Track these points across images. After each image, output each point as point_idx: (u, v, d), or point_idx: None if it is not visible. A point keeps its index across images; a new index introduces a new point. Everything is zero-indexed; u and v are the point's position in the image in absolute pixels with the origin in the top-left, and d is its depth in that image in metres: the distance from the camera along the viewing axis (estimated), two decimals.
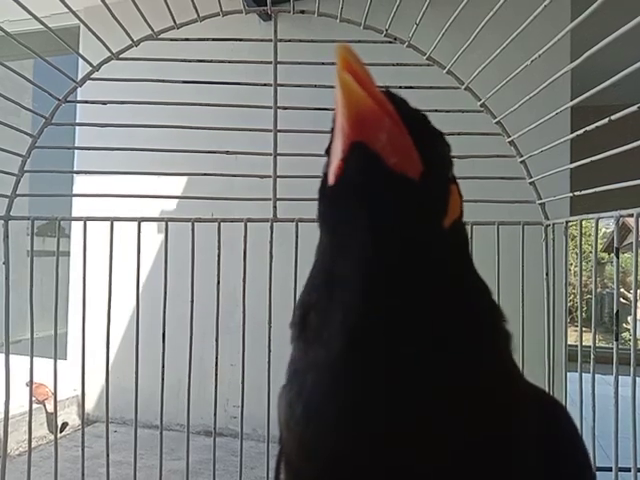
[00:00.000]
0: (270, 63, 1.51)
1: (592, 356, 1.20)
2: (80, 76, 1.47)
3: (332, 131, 0.41)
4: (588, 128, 1.11)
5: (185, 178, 3.16)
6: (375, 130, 0.37)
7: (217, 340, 1.48)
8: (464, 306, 0.41)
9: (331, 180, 0.39)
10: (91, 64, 1.44)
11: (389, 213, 0.38)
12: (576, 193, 1.27)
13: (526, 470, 0.42)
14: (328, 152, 0.42)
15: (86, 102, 1.56)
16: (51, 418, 3.33)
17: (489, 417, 0.39)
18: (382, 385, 0.38)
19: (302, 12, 1.50)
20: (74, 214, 3.38)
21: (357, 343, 0.38)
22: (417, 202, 0.38)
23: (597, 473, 1.14)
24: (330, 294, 0.40)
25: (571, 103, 1.23)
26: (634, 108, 0.98)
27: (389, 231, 0.38)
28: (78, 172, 3.15)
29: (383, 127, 0.37)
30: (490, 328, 0.43)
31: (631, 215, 1.07)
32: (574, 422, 0.51)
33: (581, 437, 0.51)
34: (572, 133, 1.25)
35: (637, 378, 1.07)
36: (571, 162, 1.30)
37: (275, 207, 1.49)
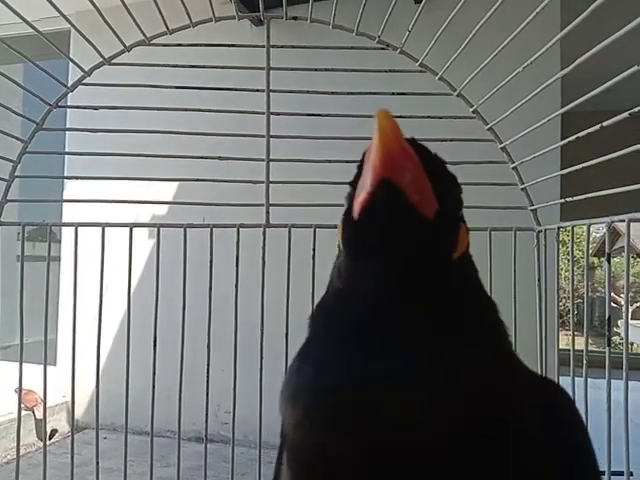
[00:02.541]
0: (263, 69, 1.51)
1: (584, 361, 1.21)
2: (70, 80, 1.47)
3: (360, 167, 0.47)
4: (580, 134, 1.12)
5: (177, 184, 3.15)
6: (402, 170, 0.43)
7: (209, 346, 1.47)
8: (467, 315, 0.47)
9: (357, 209, 0.45)
10: (83, 69, 1.43)
11: (409, 243, 0.44)
12: (568, 199, 1.28)
13: (529, 451, 0.45)
14: (352, 184, 0.49)
15: (78, 107, 1.55)
16: (40, 425, 3.29)
17: (491, 398, 0.43)
18: (395, 368, 0.42)
19: (295, 18, 1.50)
20: (64, 219, 3.35)
21: (370, 334, 0.43)
22: (432, 236, 0.45)
23: None
24: (349, 305, 0.46)
25: (562, 110, 1.24)
26: (625, 115, 0.99)
27: (409, 256, 0.44)
28: (70, 178, 3.13)
29: (408, 168, 0.43)
30: (493, 329, 0.50)
31: (622, 221, 1.08)
32: (576, 407, 0.54)
33: (583, 421, 0.54)
34: (562, 139, 1.26)
35: (629, 382, 1.08)
36: (561, 168, 1.31)
37: (268, 213, 1.49)
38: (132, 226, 1.47)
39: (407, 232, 0.44)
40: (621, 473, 1.11)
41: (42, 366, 1.45)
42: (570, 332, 1.32)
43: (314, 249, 1.45)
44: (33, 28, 1.28)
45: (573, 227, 1.29)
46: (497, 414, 0.43)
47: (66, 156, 3.34)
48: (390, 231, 0.44)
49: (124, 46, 1.43)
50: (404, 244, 0.44)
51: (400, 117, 1.36)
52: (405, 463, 0.41)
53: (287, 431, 0.47)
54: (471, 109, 1.47)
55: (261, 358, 1.45)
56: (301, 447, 0.45)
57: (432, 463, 0.41)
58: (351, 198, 0.48)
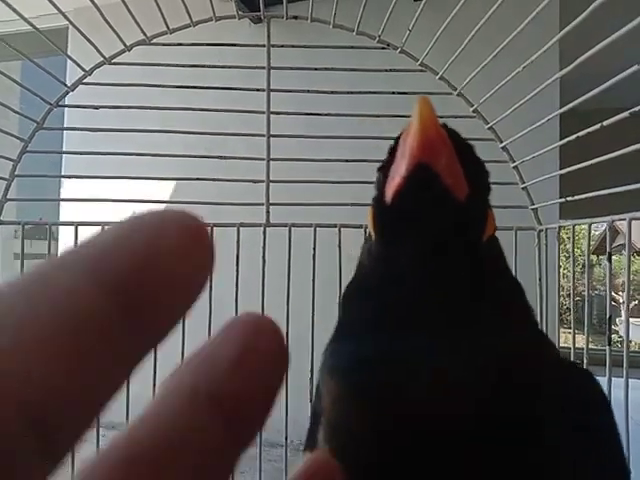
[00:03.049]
0: (263, 69, 1.51)
1: (585, 360, 1.21)
2: (68, 78, 1.46)
3: (393, 152, 0.48)
4: (580, 134, 1.12)
5: (176, 183, 3.14)
6: (437, 155, 0.43)
7: None
8: (499, 295, 0.49)
9: (391, 193, 0.45)
10: (83, 69, 1.43)
11: (442, 225, 0.45)
12: (569, 198, 1.28)
13: (556, 435, 0.45)
14: (382, 170, 0.49)
15: (78, 107, 1.55)
16: None
17: (526, 374, 0.44)
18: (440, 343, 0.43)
19: (295, 18, 1.49)
20: (62, 218, 3.34)
21: (407, 311, 0.45)
22: (465, 217, 0.46)
23: None
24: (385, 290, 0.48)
25: (562, 110, 1.24)
26: (626, 114, 0.99)
27: (444, 236, 0.46)
28: (70, 177, 3.12)
29: (443, 153, 0.44)
30: (524, 310, 0.52)
31: (624, 220, 1.08)
32: (608, 400, 0.55)
33: (614, 416, 0.54)
34: (561, 138, 1.26)
35: (629, 380, 1.08)
36: (560, 167, 1.31)
37: (268, 212, 1.49)
38: None
39: (442, 213, 0.45)
40: None
41: None
42: (570, 330, 1.32)
43: (314, 248, 1.45)
44: (33, 27, 1.28)
45: (574, 226, 1.29)
46: (530, 391, 0.44)
47: (64, 155, 3.33)
48: (426, 212, 0.45)
49: (124, 45, 1.43)
50: (439, 225, 0.45)
51: (401, 116, 1.36)
52: (442, 430, 0.42)
53: (327, 405, 0.48)
54: (471, 108, 1.46)
55: None
56: (341, 423, 0.46)
57: (467, 433, 0.42)
58: (381, 184, 0.48)
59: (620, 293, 8.42)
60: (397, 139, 0.48)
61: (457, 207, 0.45)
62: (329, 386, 0.47)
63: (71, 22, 1.38)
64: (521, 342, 0.46)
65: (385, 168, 0.48)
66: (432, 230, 0.45)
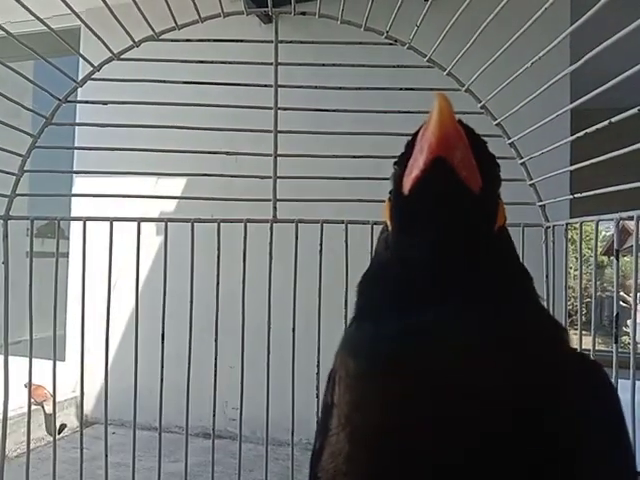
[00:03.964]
0: (271, 64, 1.51)
1: (591, 357, 1.20)
2: (80, 77, 1.47)
3: (410, 147, 0.51)
4: (589, 130, 1.11)
5: (185, 179, 3.16)
6: (454, 149, 0.47)
7: (216, 341, 1.47)
8: (510, 280, 0.52)
9: (409, 184, 0.49)
10: (92, 64, 1.44)
11: (459, 214, 0.48)
12: (576, 195, 1.27)
13: (567, 425, 0.47)
14: (399, 164, 0.52)
15: (87, 102, 1.56)
16: (49, 420, 3.32)
17: (539, 366, 0.46)
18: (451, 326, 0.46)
19: (303, 14, 1.50)
20: (73, 215, 3.37)
21: (424, 293, 0.48)
22: (479, 208, 0.49)
23: None
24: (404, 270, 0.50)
25: (571, 105, 1.23)
26: (634, 111, 0.98)
27: (459, 225, 0.48)
28: (78, 172, 3.15)
29: (459, 148, 0.47)
30: (534, 296, 0.54)
31: (631, 217, 1.07)
32: (612, 383, 0.58)
33: (619, 400, 0.56)
34: (572, 135, 1.25)
35: (637, 381, 1.07)
36: (571, 164, 1.30)
37: (275, 208, 1.49)
38: (140, 220, 1.48)
39: (458, 203, 0.48)
40: None
41: (51, 361, 1.46)
42: (577, 331, 1.31)
43: (321, 244, 1.46)
44: (47, 26, 1.29)
45: (582, 223, 1.28)
46: (541, 370, 0.46)
47: (75, 152, 3.36)
48: (443, 202, 0.48)
49: (133, 41, 1.44)
50: (455, 214, 0.48)
51: (408, 112, 1.36)
52: (463, 401, 0.44)
53: (345, 388, 0.50)
54: (479, 105, 1.46)
55: (268, 353, 1.45)
56: (364, 399, 0.48)
57: (489, 407, 0.44)
58: (398, 177, 0.51)
59: (631, 295, 8.34)
60: (414, 135, 0.51)
61: (471, 198, 0.48)
62: (350, 366, 0.49)
63: (82, 20, 1.40)
64: (530, 322, 0.49)
65: (402, 162, 0.52)
66: (448, 219, 0.48)
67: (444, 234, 0.48)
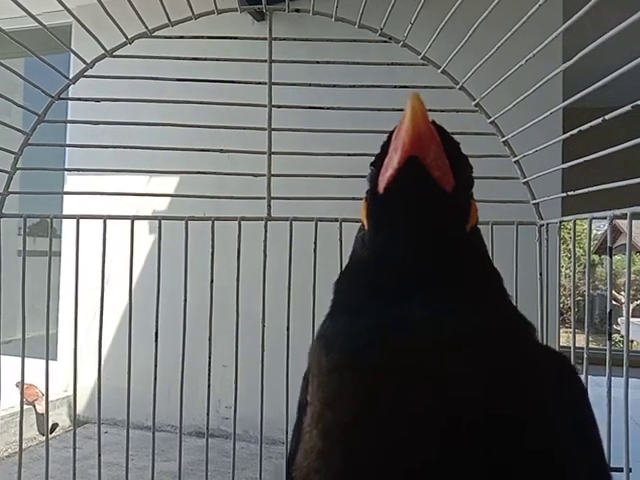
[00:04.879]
0: (265, 62, 1.50)
1: (585, 356, 1.20)
2: (72, 74, 1.46)
3: (386, 147, 0.52)
4: (583, 128, 1.12)
5: (178, 177, 3.15)
6: (427, 149, 0.48)
7: (210, 340, 1.47)
8: (480, 279, 0.53)
9: (384, 184, 0.50)
10: (85, 61, 1.43)
11: (431, 213, 0.50)
12: (570, 193, 1.27)
13: (537, 419, 0.47)
14: (375, 164, 0.53)
15: (79, 99, 1.55)
16: (41, 419, 3.30)
17: (505, 345, 0.47)
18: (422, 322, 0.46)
19: (297, 11, 1.49)
20: (65, 212, 3.35)
21: (397, 289, 0.49)
22: (450, 208, 0.50)
23: None
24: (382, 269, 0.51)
25: (565, 103, 1.23)
26: (628, 108, 0.99)
27: (431, 223, 0.50)
28: (71, 170, 3.13)
29: (432, 148, 0.48)
30: (501, 292, 0.55)
31: (625, 215, 1.08)
32: (580, 377, 0.57)
33: (587, 394, 0.57)
34: (564, 134, 1.25)
35: (629, 379, 1.08)
36: (563, 162, 1.31)
37: (269, 206, 1.49)
38: (133, 218, 1.47)
39: (430, 202, 0.49)
40: (620, 469, 1.12)
41: (42, 360, 1.45)
42: (570, 329, 1.32)
43: (315, 242, 1.45)
44: (38, 22, 1.28)
45: (575, 221, 1.29)
46: (511, 362, 0.46)
47: (67, 150, 3.34)
48: (416, 200, 0.49)
49: (126, 38, 1.43)
50: (428, 212, 0.49)
51: (402, 110, 1.35)
52: (434, 389, 0.44)
53: (318, 385, 0.50)
54: (473, 102, 1.46)
55: (262, 352, 1.45)
56: (337, 394, 0.48)
57: (460, 402, 0.44)
58: (374, 176, 0.53)
59: (622, 293, 8.41)
60: (389, 135, 0.52)
61: (444, 197, 0.49)
62: (323, 361, 0.49)
63: (75, 17, 1.39)
64: (501, 317, 0.50)
65: (378, 162, 0.53)
66: (421, 217, 0.49)
67: (417, 232, 0.50)
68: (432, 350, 0.44)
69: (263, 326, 1.46)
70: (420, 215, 0.49)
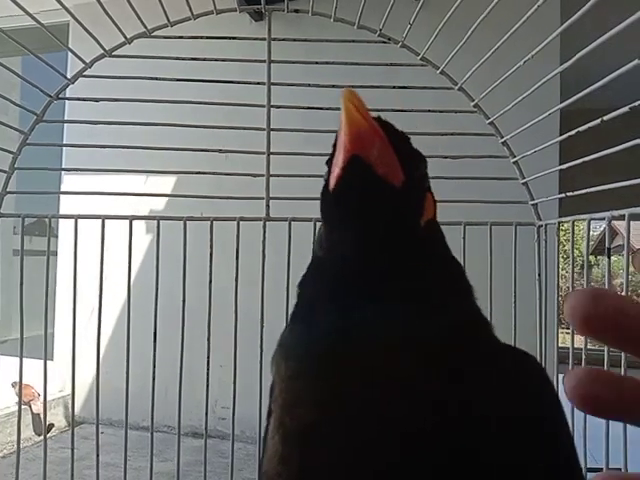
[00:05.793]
0: (264, 62, 1.50)
1: (583, 357, 1.21)
2: (69, 74, 1.46)
3: (334, 147, 0.51)
4: (581, 129, 1.12)
5: (176, 177, 3.14)
6: (369, 147, 0.47)
7: (209, 340, 1.46)
8: (435, 274, 0.52)
9: (332, 184, 0.49)
10: (84, 61, 1.43)
11: (379, 210, 0.49)
12: (568, 194, 1.28)
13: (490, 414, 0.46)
14: (328, 163, 0.53)
15: (78, 99, 1.55)
16: (36, 419, 3.29)
17: (452, 357, 0.46)
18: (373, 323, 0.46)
19: (296, 11, 1.49)
20: (62, 212, 3.34)
21: (351, 291, 0.48)
22: (399, 203, 0.50)
23: (588, 474, 1.15)
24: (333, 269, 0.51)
25: (564, 104, 1.23)
26: (625, 109, 0.99)
27: (380, 221, 0.49)
28: (69, 169, 3.12)
29: (374, 144, 0.48)
30: (461, 286, 0.55)
31: (623, 216, 1.08)
32: (547, 375, 0.55)
33: (554, 390, 0.55)
34: (561, 135, 1.26)
35: None
36: (560, 164, 1.31)
37: (268, 206, 1.48)
38: (132, 218, 1.46)
39: (376, 200, 0.49)
40: (618, 470, 1.12)
41: (38, 360, 1.45)
42: (569, 330, 1.32)
43: (314, 243, 1.45)
44: (36, 21, 1.28)
45: (574, 222, 1.29)
46: (461, 368, 0.45)
47: (64, 149, 3.33)
48: (361, 200, 0.49)
49: (125, 38, 1.43)
50: (375, 211, 0.49)
51: (401, 111, 1.36)
52: (396, 397, 0.44)
53: (279, 392, 0.50)
54: (472, 103, 1.46)
55: (261, 352, 1.45)
56: (295, 402, 0.48)
57: (417, 402, 0.44)
58: (328, 176, 0.52)
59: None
60: (337, 133, 0.51)
61: (392, 193, 0.49)
62: (282, 368, 0.49)
63: (73, 15, 1.38)
64: (457, 314, 0.49)
65: (331, 161, 0.52)
66: (369, 215, 0.49)
67: (366, 230, 0.50)
68: (381, 355, 0.44)
69: (262, 326, 1.45)
70: (368, 213, 0.49)
